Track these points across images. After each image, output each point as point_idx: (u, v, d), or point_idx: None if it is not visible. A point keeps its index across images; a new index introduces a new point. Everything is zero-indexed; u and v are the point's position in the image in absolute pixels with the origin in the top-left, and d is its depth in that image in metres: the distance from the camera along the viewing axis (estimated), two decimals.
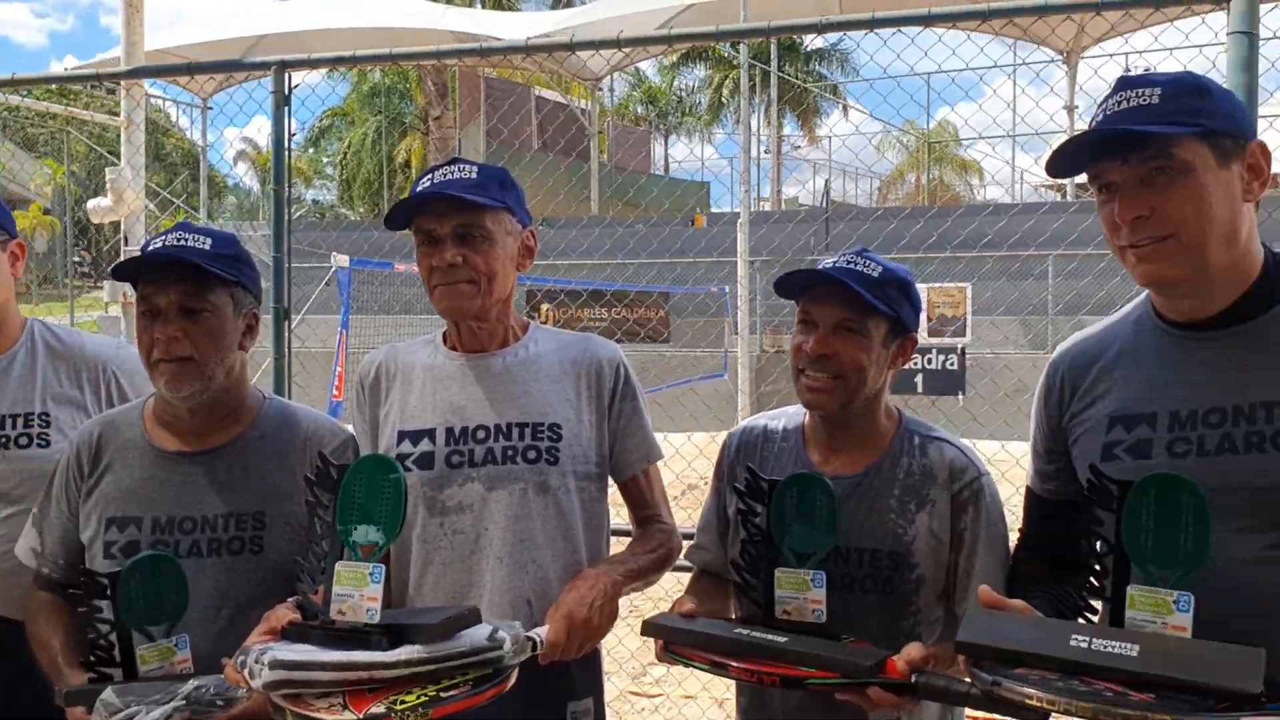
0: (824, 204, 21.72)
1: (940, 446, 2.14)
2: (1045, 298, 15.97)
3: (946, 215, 15.62)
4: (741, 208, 15.99)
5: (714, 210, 26.21)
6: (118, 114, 4.82)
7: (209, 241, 2.12)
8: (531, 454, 2.19)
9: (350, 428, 2.36)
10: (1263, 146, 1.77)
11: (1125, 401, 1.85)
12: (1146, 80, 1.76)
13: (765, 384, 13.90)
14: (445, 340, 2.34)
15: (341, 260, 7.57)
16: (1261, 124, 3.18)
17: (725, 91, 36.28)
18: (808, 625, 1.96)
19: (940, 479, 2.10)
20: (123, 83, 4.61)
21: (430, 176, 2.21)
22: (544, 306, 15.27)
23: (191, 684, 1.91)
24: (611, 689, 5.55)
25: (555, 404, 2.24)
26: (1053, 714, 1.59)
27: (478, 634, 1.84)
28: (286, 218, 3.74)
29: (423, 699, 1.74)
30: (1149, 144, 1.71)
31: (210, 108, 22.39)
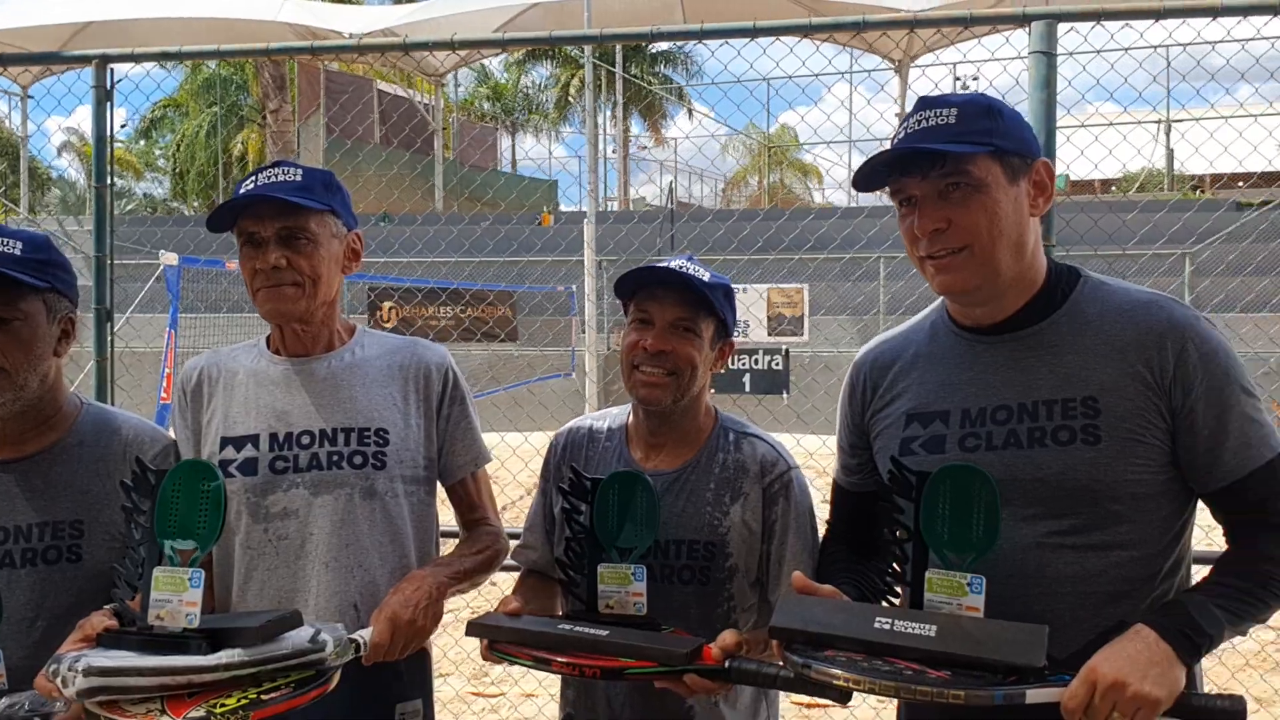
0: (668, 204, 22.01)
1: (753, 442, 2.24)
2: (878, 297, 16.54)
3: (785, 216, 16.02)
4: (588, 206, 16.10)
5: (563, 209, 26.24)
6: None
7: (19, 246, 2.06)
8: (358, 459, 2.20)
9: (172, 433, 2.32)
10: (1047, 165, 1.93)
11: (921, 400, 1.98)
12: (944, 101, 1.89)
13: (613, 382, 14.03)
14: (269, 344, 2.32)
15: (169, 259, 7.33)
16: (1060, 136, 3.41)
17: (572, 90, 36.35)
18: (630, 618, 2.02)
19: (753, 473, 2.20)
20: None
21: (254, 179, 2.19)
22: (385, 304, 15.06)
23: (4, 702, 1.86)
24: (449, 690, 5.55)
25: (382, 408, 2.25)
26: (858, 692, 1.69)
27: (299, 636, 1.85)
28: (109, 216, 3.63)
29: (243, 701, 1.74)
30: (946, 161, 1.83)
31: (30, 97, 21.31)
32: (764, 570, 2.20)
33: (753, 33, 3.43)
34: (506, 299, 15.35)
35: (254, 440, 2.20)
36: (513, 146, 40.98)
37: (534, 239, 17.55)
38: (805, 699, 5.33)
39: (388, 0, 28.97)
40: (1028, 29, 3.33)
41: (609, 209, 26.09)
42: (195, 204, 36.06)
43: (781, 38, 3.59)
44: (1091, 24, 3.42)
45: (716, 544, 2.16)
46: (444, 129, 28.66)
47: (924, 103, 1.90)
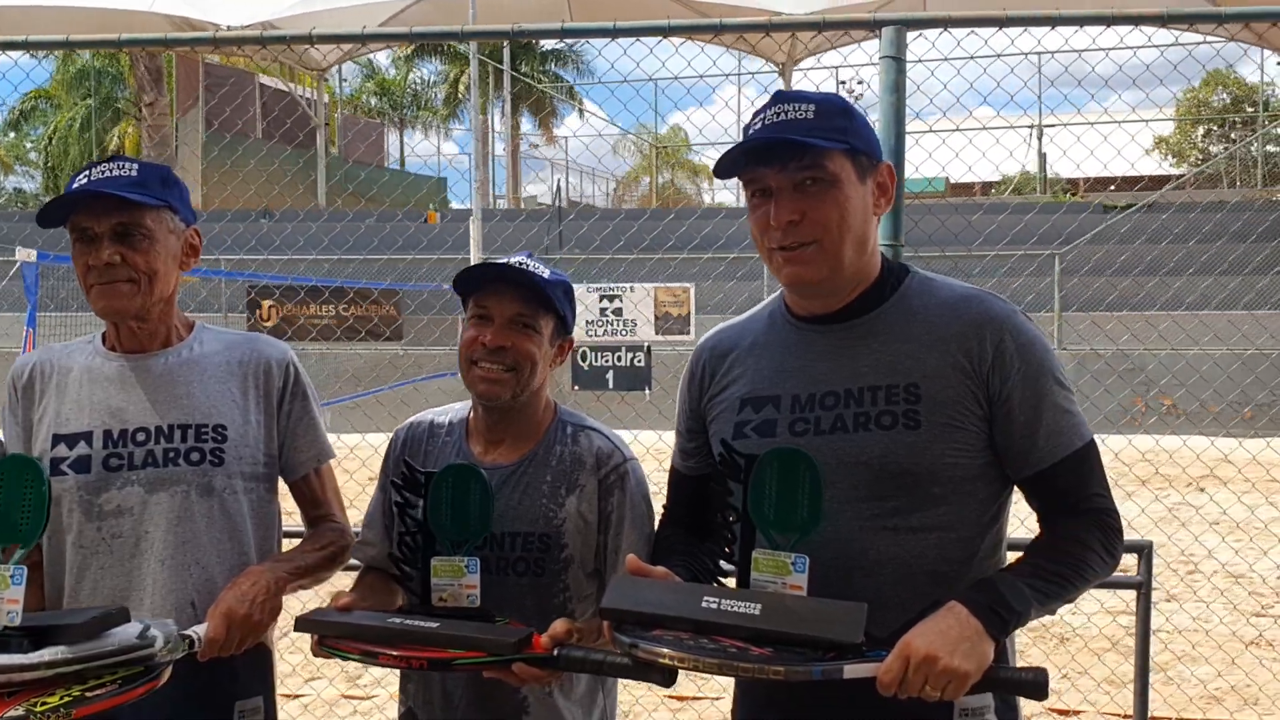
0: (555, 202, 22.00)
1: (590, 435, 2.28)
2: (762, 296, 16.77)
3: (671, 215, 16.16)
4: (474, 203, 16.01)
5: (454, 206, 26.02)
6: None
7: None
8: (195, 455, 2.18)
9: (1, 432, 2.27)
10: (889, 168, 2.01)
11: (755, 385, 2.04)
12: (802, 96, 1.94)
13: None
14: (105, 341, 2.28)
15: (27, 255, 7.07)
16: (935, 139, 3.53)
17: (461, 87, 36.09)
18: (464, 610, 2.04)
19: (589, 465, 2.24)
20: None
21: (88, 173, 2.16)
22: (265, 302, 14.77)
23: None
24: (332, 692, 5.49)
25: (220, 405, 2.24)
26: (683, 670, 1.73)
27: (127, 632, 1.83)
28: None
29: (66, 699, 1.72)
30: (806, 154, 1.88)
31: None
32: (602, 561, 2.24)
33: (613, 33, 3.47)
34: (391, 297, 15.17)
35: (87, 437, 2.17)
36: (400, 143, 40.50)
37: (420, 236, 17.37)
38: (685, 692, 5.42)
39: None
40: (878, 34, 3.44)
41: (497, 206, 25.96)
42: None
43: (670, 38, 3.64)
44: (939, 30, 3.55)
45: (551, 535, 2.19)
46: (328, 124, 28.20)
47: (781, 96, 1.95)
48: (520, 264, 2.20)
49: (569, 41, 30.45)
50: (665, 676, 1.77)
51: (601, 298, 15.47)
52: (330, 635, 1.98)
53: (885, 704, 1.74)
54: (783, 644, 1.73)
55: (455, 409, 2.37)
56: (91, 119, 31.92)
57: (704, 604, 1.79)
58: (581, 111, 37.90)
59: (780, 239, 1.92)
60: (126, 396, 2.20)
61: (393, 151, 39.18)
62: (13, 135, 40.85)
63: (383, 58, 37.71)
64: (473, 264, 2.21)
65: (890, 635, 1.78)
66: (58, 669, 1.73)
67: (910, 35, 3.48)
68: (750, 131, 1.95)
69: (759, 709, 2.09)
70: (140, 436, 2.17)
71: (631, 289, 16.01)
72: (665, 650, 1.72)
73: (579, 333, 14.08)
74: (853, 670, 1.70)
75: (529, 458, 2.25)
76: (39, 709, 1.68)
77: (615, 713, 2.35)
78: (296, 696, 5.49)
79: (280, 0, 20.95)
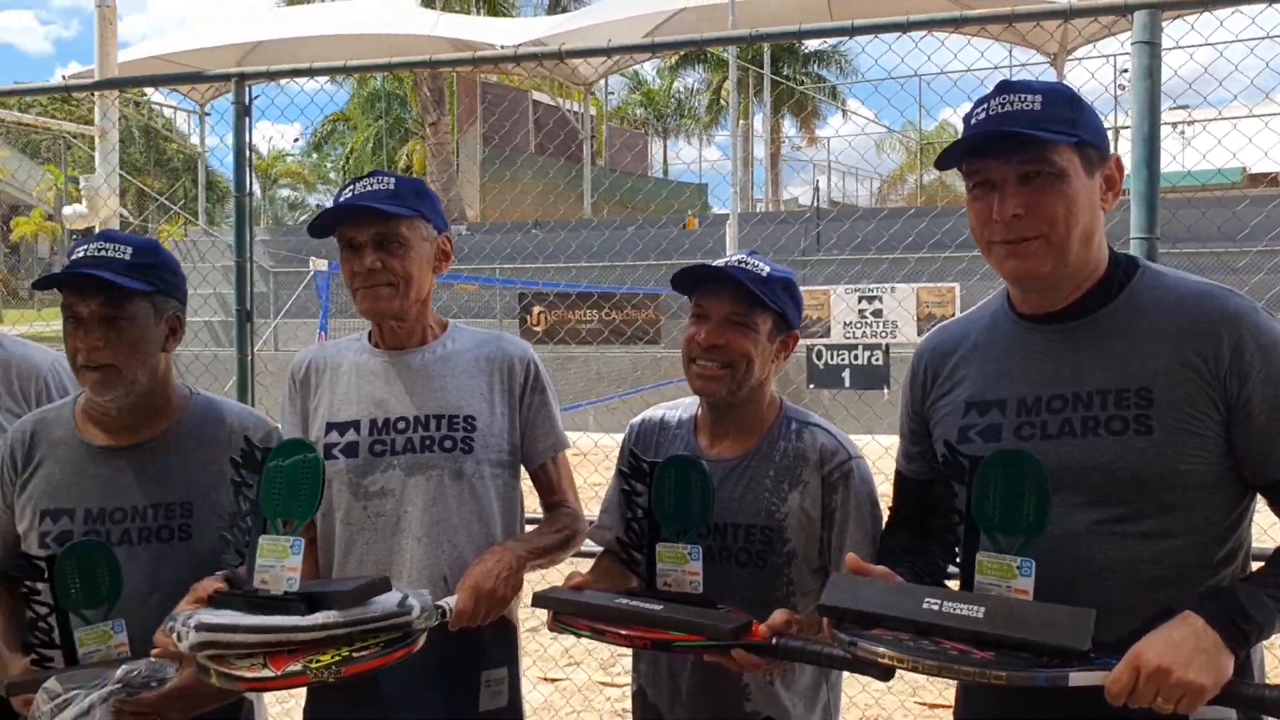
0: (815, 203, 21.88)
1: (814, 432, 2.32)
2: None
3: (937, 211, 15.75)
4: (730, 208, 16.18)
5: (717, 212, 26.32)
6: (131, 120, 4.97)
7: (129, 251, 2.25)
8: (448, 443, 2.38)
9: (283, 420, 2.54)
10: (1118, 161, 1.95)
11: (980, 389, 2.01)
12: (1027, 86, 1.91)
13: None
14: (370, 339, 2.52)
15: (319, 265, 7.73)
16: (1166, 129, 3.35)
17: (724, 93, 36.46)
18: (687, 595, 2.13)
19: (812, 461, 2.27)
20: (96, 94, 4.78)
21: (352, 188, 2.39)
22: (535, 309, 15.45)
23: (124, 668, 2.05)
24: (581, 676, 5.73)
25: (470, 397, 2.42)
26: (902, 670, 1.74)
27: (388, 601, 2.01)
28: (249, 224, 3.92)
29: (336, 659, 1.91)
30: (1030, 147, 1.85)
31: (209, 113, 22.57)
32: (826, 557, 2.27)
33: (905, 27, 3.45)
34: (652, 301, 15.53)
35: (355, 426, 2.40)
36: (664, 151, 41.33)
37: (680, 242, 17.71)
38: (930, 699, 5.33)
39: (541, 10, 29.66)
40: (1131, 18, 3.29)
41: (757, 210, 26.07)
42: None
43: (934, 32, 3.60)
44: (1198, 12, 3.37)
45: (774, 529, 2.24)
46: (595, 136, 29.14)
47: (1006, 86, 1.92)
48: (740, 262, 2.27)
49: (831, 42, 30.22)
50: (883, 673, 1.80)
51: (861, 298, 15.27)
52: (563, 612, 2.12)
53: (1114, 713, 1.69)
54: (1006, 648, 1.71)
55: (686, 404, 2.47)
56: (383, 139, 34.26)
57: (925, 605, 1.79)
58: (844, 111, 37.50)
59: (1004, 233, 1.89)
60: (389, 389, 2.42)
61: (656, 160, 40.06)
62: (314, 156, 44.49)
63: (648, 69, 38.63)
64: (688, 265, 2.29)
65: (1117, 641, 1.73)
66: (329, 631, 1.92)
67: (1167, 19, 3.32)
68: (973, 122, 1.92)
69: (981, 711, 2.07)
70: (401, 425, 2.39)
71: (893, 289, 15.70)
72: (884, 650, 1.73)
73: (837, 332, 13.96)
74: (1079, 678, 1.66)
75: (752, 452, 2.31)
76: (313, 665, 1.88)
77: (838, 707, 2.38)
78: (555, 680, 5.77)
79: (548, 19, 21.88)
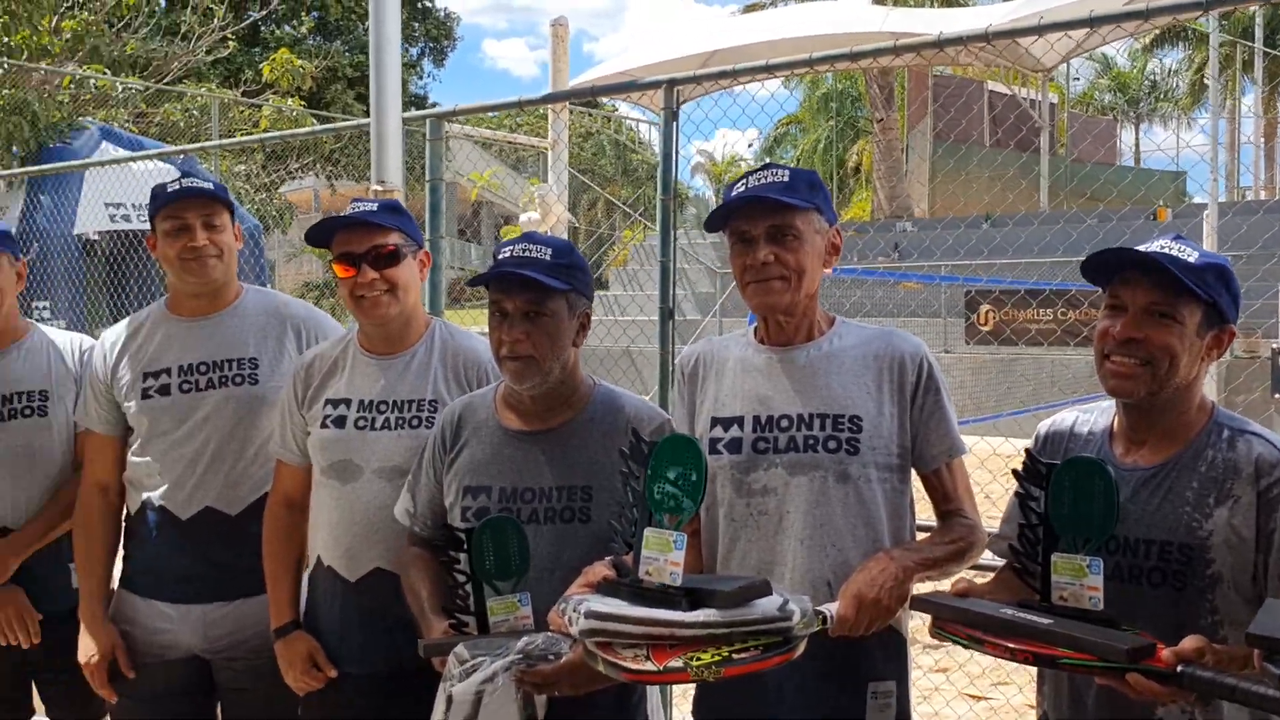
0: None
1: (1250, 441, 2.02)
2: None
3: None
4: (1210, 196, 14.67)
5: (1197, 201, 24.00)
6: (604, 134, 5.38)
7: (549, 252, 2.42)
8: (832, 444, 2.31)
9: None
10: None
11: None
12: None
13: (1235, 390, 12.66)
14: (756, 334, 2.50)
15: None
16: None
17: (1206, 72, 33.24)
18: (1084, 612, 1.93)
19: (1246, 474, 1.99)
20: (550, 108, 5.18)
21: (745, 181, 2.38)
22: (982, 307, 14.88)
23: (524, 640, 2.20)
24: (1020, 699, 5.44)
25: (856, 396, 2.34)
26: None
27: (769, 604, 1.99)
28: (672, 226, 4.06)
29: (716, 658, 1.91)
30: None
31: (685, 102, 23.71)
32: (1261, 584, 1.97)
33: None
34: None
35: (739, 422, 2.40)
36: (1135, 137, 38.37)
37: (1146, 234, 16.28)
38: None
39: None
40: None
41: (1243, 198, 23.47)
42: None
43: None
44: None
45: (1194, 547, 1.98)
46: (1057, 125, 27.60)
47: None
48: (1163, 247, 2.02)
49: None
50: None
51: None
52: (943, 617, 2.00)
53: None
54: None
55: (1101, 408, 2.24)
56: (833, 140, 34.56)
57: None
58: None
59: None
60: (772, 385, 2.40)
61: (1127, 147, 37.28)
62: (767, 159, 45.70)
63: (1113, 50, 35.95)
64: (1101, 250, 2.06)
65: None
66: (710, 630, 1.92)
67: None
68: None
69: None
70: (784, 423, 2.35)
71: None
72: None
73: None
74: None
75: (1173, 461, 2.06)
76: (695, 664, 1.90)
77: None
78: (983, 698, 5.52)
79: (1003, 6, 20.95)
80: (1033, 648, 1.87)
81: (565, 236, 5.36)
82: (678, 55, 22.00)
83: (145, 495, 3.03)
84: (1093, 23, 3.54)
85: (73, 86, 18.01)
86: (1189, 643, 1.79)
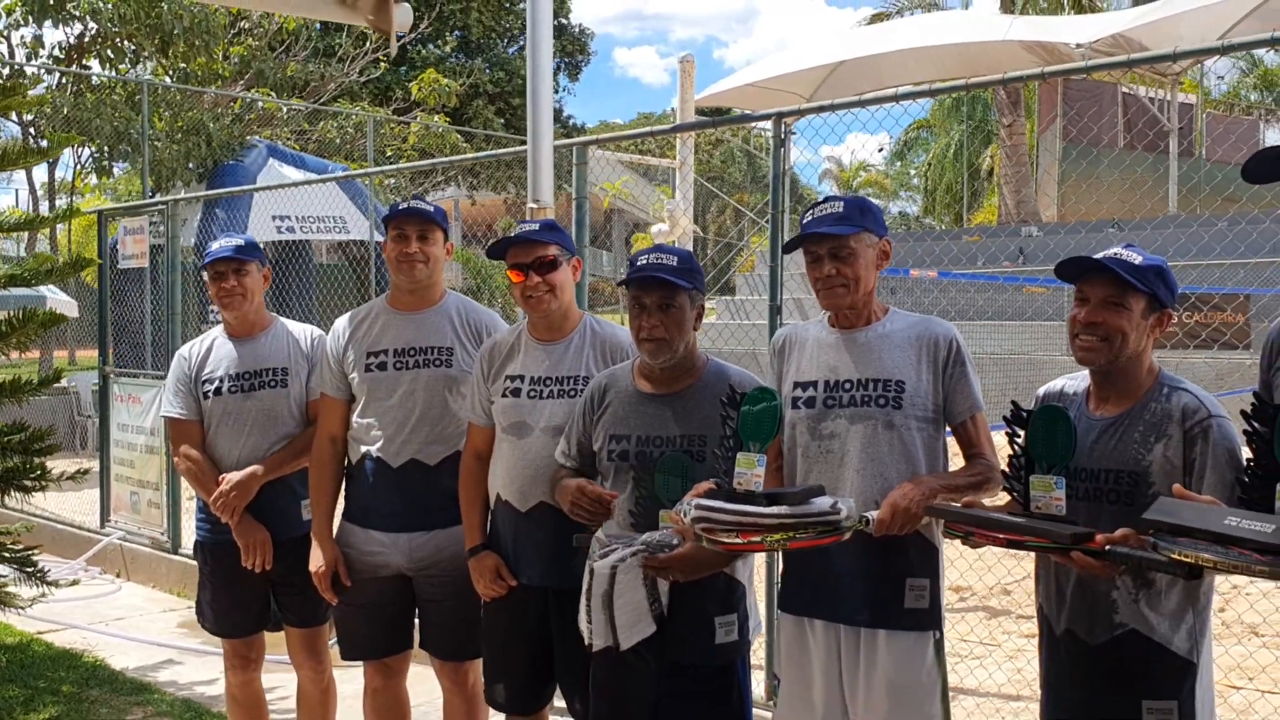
0: None
1: (1180, 394, 2.74)
2: None
3: None
4: None
5: None
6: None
7: (675, 259, 3.25)
8: (882, 401, 3.10)
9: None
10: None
11: None
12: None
13: None
14: (829, 321, 3.29)
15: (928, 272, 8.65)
16: None
17: None
18: (1052, 516, 2.68)
19: (1175, 418, 2.70)
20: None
21: (812, 212, 3.18)
22: None
23: (648, 534, 3.07)
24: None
25: (901, 366, 3.13)
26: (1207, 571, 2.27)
27: (824, 502, 2.83)
28: (780, 236, 4.85)
29: (784, 538, 2.77)
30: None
31: (794, 133, 24.27)
32: None
33: None
34: (1229, 303, 14.55)
35: (814, 385, 3.21)
36: None
37: (1272, 236, 16.22)
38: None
39: (1125, 4, 28.26)
40: None
41: None
42: (944, 219, 38.16)
43: None
44: None
45: (1139, 474, 2.71)
46: (1195, 126, 27.23)
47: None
48: (1115, 255, 2.74)
49: None
50: (1188, 572, 2.29)
51: None
52: (949, 519, 2.78)
53: None
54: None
55: (1082, 375, 2.97)
56: (964, 145, 34.55)
57: (1226, 521, 2.27)
58: None
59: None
60: (839, 358, 3.20)
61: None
62: (898, 165, 45.82)
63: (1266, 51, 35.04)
64: (1070, 257, 2.79)
65: None
66: (781, 520, 2.76)
67: None
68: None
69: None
70: (847, 385, 3.15)
71: None
72: (1178, 550, 2.26)
73: None
74: None
75: (1126, 412, 2.78)
76: (769, 539, 2.77)
77: (1206, 633, 2.75)
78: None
79: (1130, 12, 20.97)
80: (1010, 535, 2.63)
81: (690, 247, 6.16)
82: (804, 67, 22.36)
83: (365, 448, 3.98)
84: (1274, 42, 3.74)
85: (241, 107, 19.56)
86: (1119, 532, 2.51)
